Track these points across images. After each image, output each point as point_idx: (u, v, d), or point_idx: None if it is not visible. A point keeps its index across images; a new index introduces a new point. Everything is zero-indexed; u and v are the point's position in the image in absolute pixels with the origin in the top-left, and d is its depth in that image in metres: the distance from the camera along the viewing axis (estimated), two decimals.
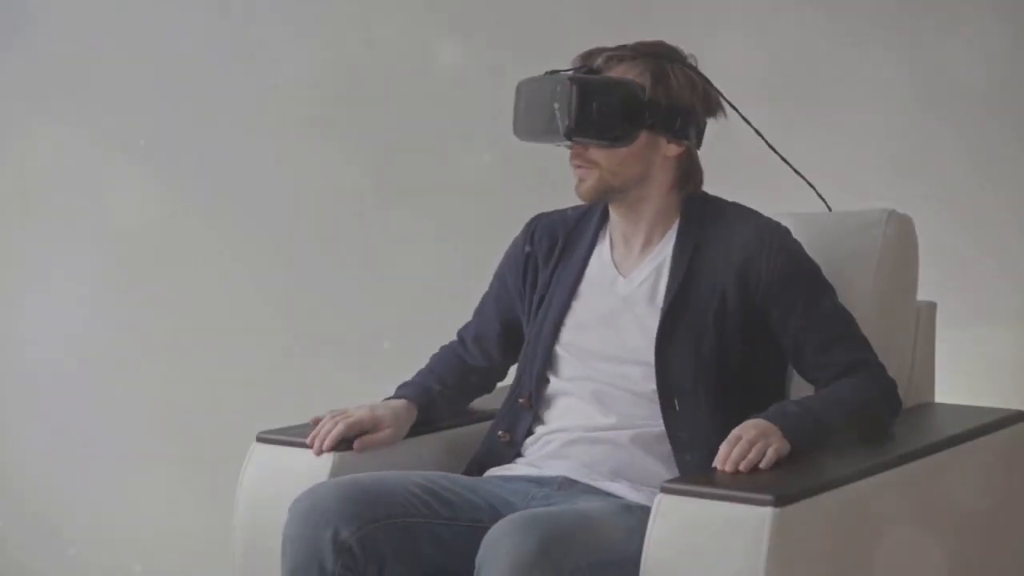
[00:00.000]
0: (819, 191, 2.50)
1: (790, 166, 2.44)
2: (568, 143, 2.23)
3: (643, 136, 2.22)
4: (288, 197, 3.56)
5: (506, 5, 3.32)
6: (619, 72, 2.22)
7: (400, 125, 3.43)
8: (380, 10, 3.44)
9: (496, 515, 2.14)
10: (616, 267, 2.31)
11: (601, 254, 2.34)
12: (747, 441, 2.02)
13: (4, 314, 3.86)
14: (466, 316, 2.57)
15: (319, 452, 2.26)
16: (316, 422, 2.31)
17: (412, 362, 2.50)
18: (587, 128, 2.18)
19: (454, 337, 2.52)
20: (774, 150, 2.40)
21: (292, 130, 3.54)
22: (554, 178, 3.24)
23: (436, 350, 2.52)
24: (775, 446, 2.02)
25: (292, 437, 2.32)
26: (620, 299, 2.28)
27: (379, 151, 3.46)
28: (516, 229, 3.28)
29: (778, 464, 2.02)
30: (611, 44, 2.27)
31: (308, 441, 2.28)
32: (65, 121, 3.75)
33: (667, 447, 2.19)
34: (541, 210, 2.46)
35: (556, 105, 2.17)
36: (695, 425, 2.16)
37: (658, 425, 2.20)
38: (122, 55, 3.69)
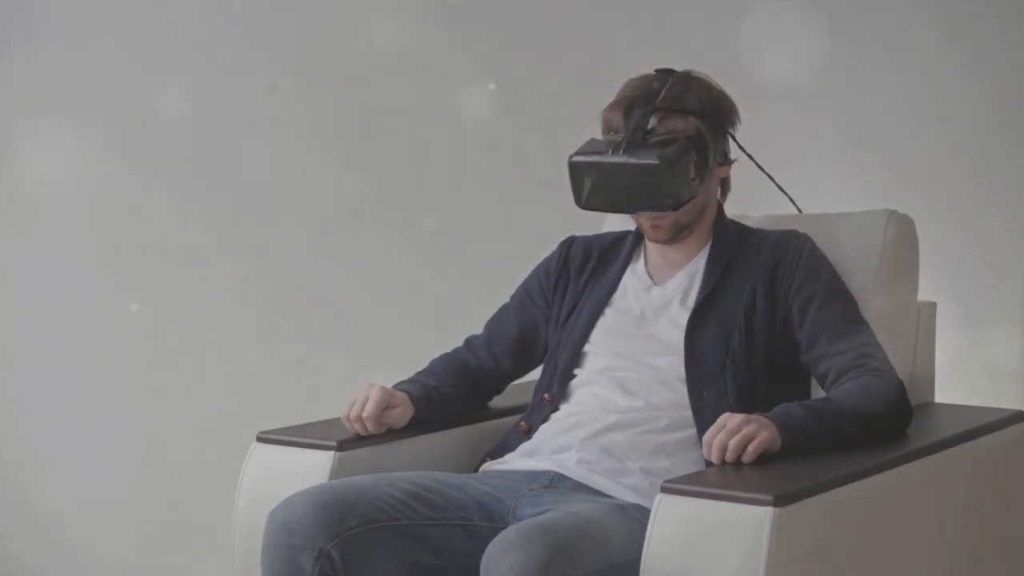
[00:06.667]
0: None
1: (760, 168, 2.46)
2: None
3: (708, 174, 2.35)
4: (288, 197, 3.56)
5: (508, 6, 3.31)
6: (671, 125, 2.30)
7: (400, 126, 3.43)
8: (380, 10, 3.44)
9: (484, 512, 2.16)
10: (651, 277, 2.40)
11: (636, 269, 2.43)
12: (727, 431, 2.04)
13: (4, 314, 3.86)
14: (466, 316, 2.57)
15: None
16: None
17: (412, 363, 2.51)
18: (683, 197, 2.28)
19: (458, 342, 2.53)
20: (742, 149, 2.42)
21: (292, 130, 3.54)
22: (554, 180, 3.25)
23: (436, 350, 2.52)
24: (759, 438, 2.03)
25: (292, 437, 2.32)
26: (654, 302, 2.37)
27: (379, 152, 3.46)
28: (516, 232, 3.29)
29: (764, 456, 2.03)
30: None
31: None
32: (64, 121, 3.75)
33: (691, 431, 2.23)
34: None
35: (651, 185, 2.26)
36: (720, 411, 2.18)
37: (683, 410, 2.24)
38: (121, 55, 3.69)
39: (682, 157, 2.27)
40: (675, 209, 2.29)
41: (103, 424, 3.74)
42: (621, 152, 2.28)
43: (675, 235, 2.36)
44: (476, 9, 3.34)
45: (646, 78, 2.35)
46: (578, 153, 2.32)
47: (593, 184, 2.30)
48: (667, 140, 2.28)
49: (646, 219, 2.35)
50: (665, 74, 2.35)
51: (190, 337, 3.65)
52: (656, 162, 2.24)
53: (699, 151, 2.29)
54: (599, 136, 2.36)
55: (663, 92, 2.31)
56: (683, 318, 2.32)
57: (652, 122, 2.30)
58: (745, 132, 2.42)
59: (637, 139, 2.28)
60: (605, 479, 2.20)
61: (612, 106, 2.35)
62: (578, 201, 2.34)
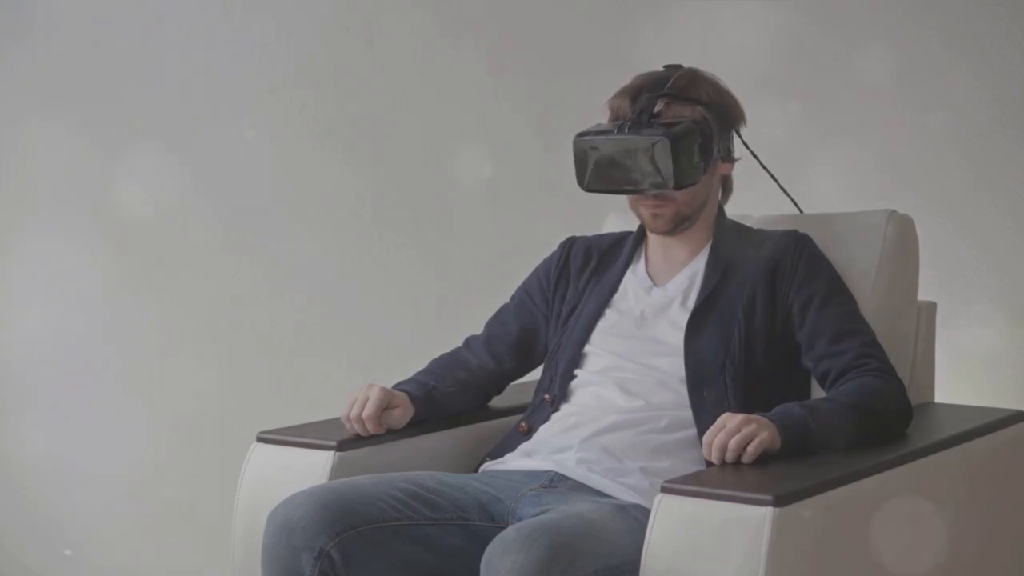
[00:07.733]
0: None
1: (764, 167, 2.46)
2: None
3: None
4: (287, 198, 3.56)
5: (507, 6, 3.32)
6: (677, 111, 2.30)
7: (399, 126, 3.43)
8: (380, 10, 3.44)
9: (484, 513, 2.16)
10: (651, 278, 2.40)
11: (636, 271, 2.43)
12: (727, 432, 2.04)
13: (4, 313, 3.86)
14: (466, 316, 2.57)
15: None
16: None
17: (412, 363, 2.50)
18: (686, 178, 2.26)
19: (458, 342, 2.53)
20: (747, 148, 2.42)
21: (291, 131, 3.54)
22: (552, 181, 3.25)
23: (436, 350, 2.52)
24: (759, 438, 2.03)
25: (292, 437, 2.32)
26: (654, 303, 2.37)
27: (378, 152, 3.47)
28: (514, 231, 3.29)
29: (764, 456, 2.03)
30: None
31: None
32: (65, 121, 3.75)
33: (691, 431, 2.23)
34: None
35: (655, 162, 2.24)
36: (720, 412, 2.17)
37: (683, 410, 2.24)
38: (122, 55, 3.69)
39: (688, 136, 2.26)
40: (678, 188, 2.27)
41: (103, 424, 3.74)
42: (627, 131, 2.28)
43: (676, 226, 2.35)
44: (477, 8, 3.34)
45: (654, 71, 2.36)
46: (584, 133, 2.32)
47: (596, 163, 2.29)
48: (673, 122, 2.28)
49: (647, 207, 2.34)
50: (673, 68, 2.36)
51: (190, 337, 3.65)
52: (662, 137, 2.24)
53: (704, 136, 2.29)
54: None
55: (671, 81, 2.32)
56: (683, 319, 2.32)
57: (659, 106, 2.30)
58: (746, 131, 2.42)
59: (643, 121, 2.28)
60: (605, 479, 2.20)
61: (619, 94, 2.35)
62: (581, 182, 2.32)
